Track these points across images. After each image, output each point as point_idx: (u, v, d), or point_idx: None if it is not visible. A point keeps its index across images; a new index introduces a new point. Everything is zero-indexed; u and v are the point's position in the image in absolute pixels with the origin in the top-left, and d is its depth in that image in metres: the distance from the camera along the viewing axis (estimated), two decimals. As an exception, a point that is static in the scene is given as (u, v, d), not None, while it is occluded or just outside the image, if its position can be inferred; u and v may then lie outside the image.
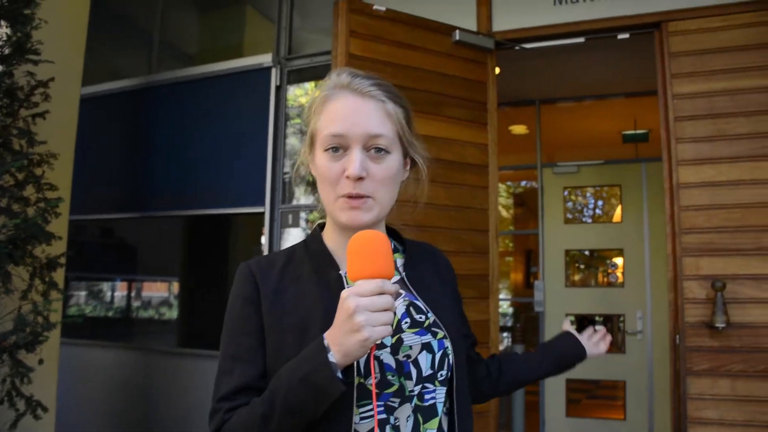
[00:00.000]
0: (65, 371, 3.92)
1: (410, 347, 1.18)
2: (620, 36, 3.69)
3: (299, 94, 4.18)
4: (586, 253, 6.52)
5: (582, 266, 6.70)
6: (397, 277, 1.28)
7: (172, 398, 4.13)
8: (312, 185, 4.02)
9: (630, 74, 4.93)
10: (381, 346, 1.13)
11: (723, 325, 3.10)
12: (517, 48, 3.76)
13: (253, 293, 1.23)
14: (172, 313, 4.51)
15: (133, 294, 4.77)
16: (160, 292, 4.68)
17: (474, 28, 3.73)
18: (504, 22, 3.75)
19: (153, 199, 4.44)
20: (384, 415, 1.13)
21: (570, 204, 6.50)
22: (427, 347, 1.19)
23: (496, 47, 3.69)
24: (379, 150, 1.21)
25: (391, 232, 1.39)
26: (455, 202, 3.46)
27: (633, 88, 5.40)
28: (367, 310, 1.01)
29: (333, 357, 1.04)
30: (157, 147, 4.50)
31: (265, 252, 3.92)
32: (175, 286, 4.60)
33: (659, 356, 5.36)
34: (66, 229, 3.52)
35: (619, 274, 6.07)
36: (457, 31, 3.50)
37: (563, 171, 6.03)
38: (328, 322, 1.09)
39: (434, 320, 1.23)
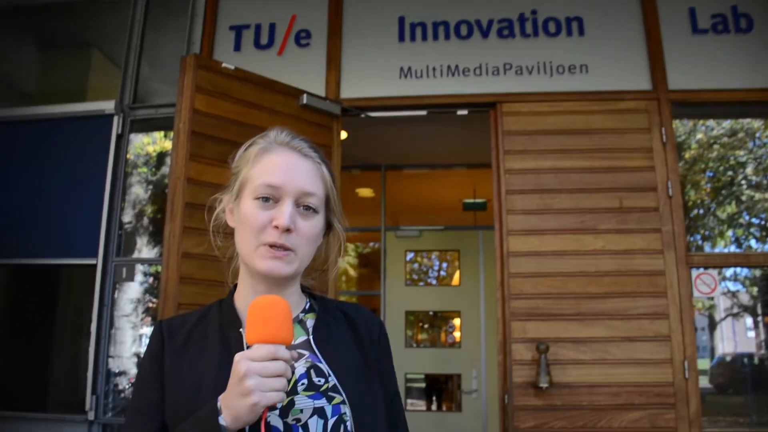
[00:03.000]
0: None
1: (301, 411, 1.13)
2: (459, 112, 3.96)
3: (147, 142, 4.06)
4: (431, 312, 6.73)
5: (426, 326, 6.90)
6: (303, 338, 1.26)
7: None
8: (153, 236, 3.88)
9: (470, 147, 5.25)
10: (272, 407, 1.06)
11: (546, 385, 3.31)
12: (362, 116, 3.90)
13: (158, 351, 1.23)
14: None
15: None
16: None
17: (323, 93, 3.84)
18: (352, 89, 3.89)
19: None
20: None
21: (416, 265, 6.72)
22: (318, 412, 1.14)
23: (343, 113, 3.81)
24: (308, 208, 1.22)
25: (307, 293, 1.37)
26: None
27: (473, 160, 5.75)
28: (258, 375, 1.00)
29: (224, 420, 1.03)
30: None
31: (96, 306, 3.70)
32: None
33: (492, 414, 5.58)
34: None
35: (456, 334, 6.31)
36: (305, 95, 3.58)
37: (406, 235, 6.25)
38: (221, 381, 1.07)
39: (334, 384, 1.18)
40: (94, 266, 3.78)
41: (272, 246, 1.19)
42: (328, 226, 1.35)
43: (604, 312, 3.44)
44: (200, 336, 1.25)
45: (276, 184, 1.21)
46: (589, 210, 3.57)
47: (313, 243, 1.26)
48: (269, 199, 1.21)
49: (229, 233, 1.32)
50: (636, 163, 3.61)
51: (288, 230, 1.19)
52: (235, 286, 1.33)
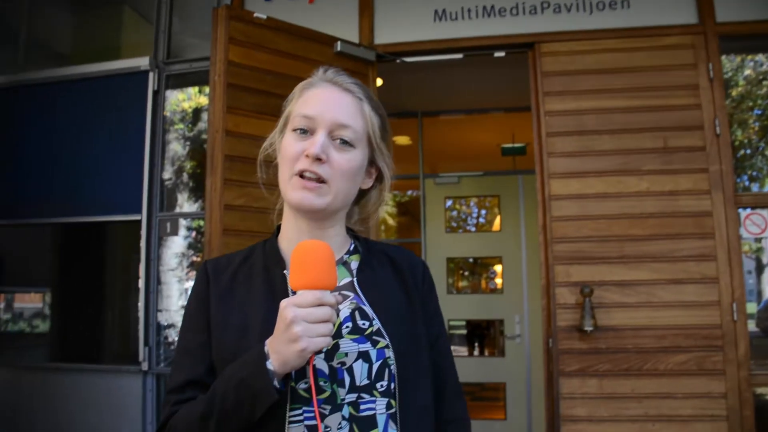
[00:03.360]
0: None
1: (346, 354, 1.15)
2: (497, 54, 3.86)
3: (182, 98, 4.07)
4: (470, 260, 6.73)
5: (466, 273, 6.91)
6: (347, 279, 1.26)
7: (44, 416, 3.89)
8: (193, 191, 3.92)
9: (508, 90, 5.14)
10: (318, 351, 1.08)
11: (591, 329, 3.30)
12: (398, 61, 3.83)
13: (204, 292, 1.25)
14: (45, 326, 4.25)
15: (1, 306, 4.45)
16: (31, 304, 4.40)
17: (356, 40, 3.77)
18: (386, 35, 3.81)
19: (21, 206, 4.17)
20: (313, 422, 1.10)
21: (454, 213, 6.69)
22: (363, 356, 1.15)
23: (378, 59, 3.74)
24: (344, 142, 1.22)
25: (351, 235, 1.37)
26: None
27: (511, 104, 5.63)
28: (305, 321, 1.02)
29: (271, 364, 1.05)
30: (25, 150, 4.23)
31: (143, 261, 3.79)
32: (46, 298, 4.34)
33: (536, 358, 5.61)
34: None
35: (498, 280, 6.31)
36: (339, 42, 3.52)
37: (445, 182, 6.21)
38: (268, 325, 1.09)
39: (378, 328, 1.18)
40: (139, 222, 3.84)
41: (303, 175, 1.19)
42: (379, 175, 1.34)
43: (648, 254, 3.39)
44: (245, 277, 1.26)
45: (311, 115, 1.21)
46: (632, 151, 3.48)
47: (350, 179, 1.24)
48: (306, 131, 1.21)
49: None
50: (681, 101, 3.49)
51: (319, 160, 1.18)
52: (278, 227, 1.34)
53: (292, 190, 1.21)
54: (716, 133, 3.42)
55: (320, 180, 1.19)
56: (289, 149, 1.22)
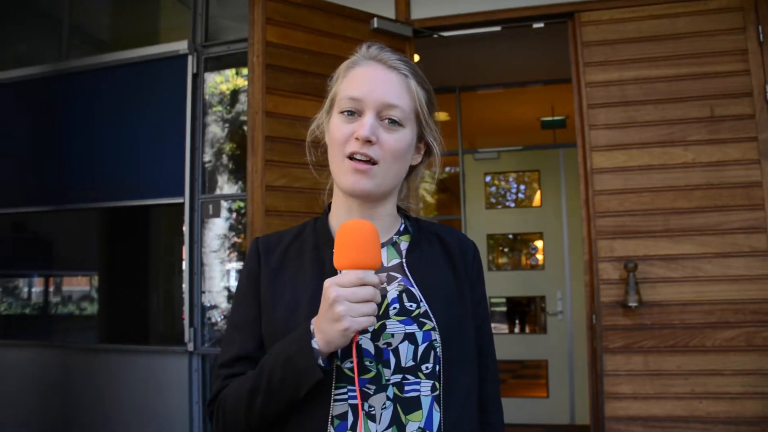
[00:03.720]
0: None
1: (392, 335, 1.15)
2: (535, 25, 3.77)
3: (219, 81, 4.09)
4: (510, 236, 6.67)
5: (506, 249, 6.86)
6: (396, 261, 1.27)
7: (93, 396, 4.01)
8: (233, 173, 3.96)
9: (547, 62, 5.05)
10: (364, 331, 1.09)
11: (635, 304, 3.24)
12: (435, 36, 3.79)
13: (255, 269, 1.27)
14: (93, 309, 4.36)
15: (51, 290, 4.59)
16: (79, 287, 4.53)
17: (392, 15, 3.73)
18: (422, 10, 3.76)
19: (67, 191, 4.27)
20: (357, 401, 1.11)
21: (493, 189, 6.63)
22: (409, 338, 1.15)
23: (415, 35, 3.70)
24: (393, 122, 1.20)
25: (402, 214, 1.37)
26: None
27: (550, 76, 5.54)
28: (347, 301, 1.02)
29: (316, 343, 1.06)
30: (70, 136, 4.32)
31: (186, 243, 3.84)
32: (94, 281, 4.45)
33: (578, 335, 5.55)
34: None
35: (539, 256, 6.25)
36: (376, 19, 3.49)
37: (484, 157, 6.15)
38: (315, 303, 1.10)
39: (425, 311, 1.18)
40: (182, 204, 3.90)
41: (353, 157, 1.18)
42: (427, 150, 1.34)
43: (694, 227, 3.31)
44: (295, 255, 1.28)
45: (357, 97, 1.20)
46: (677, 121, 3.38)
47: (400, 159, 1.23)
48: (354, 112, 1.20)
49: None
50: (728, 68, 3.37)
51: (369, 142, 1.17)
52: (329, 205, 1.34)
53: (344, 175, 1.20)
54: (766, 100, 3.30)
55: (371, 161, 1.18)
56: (337, 132, 1.21)
